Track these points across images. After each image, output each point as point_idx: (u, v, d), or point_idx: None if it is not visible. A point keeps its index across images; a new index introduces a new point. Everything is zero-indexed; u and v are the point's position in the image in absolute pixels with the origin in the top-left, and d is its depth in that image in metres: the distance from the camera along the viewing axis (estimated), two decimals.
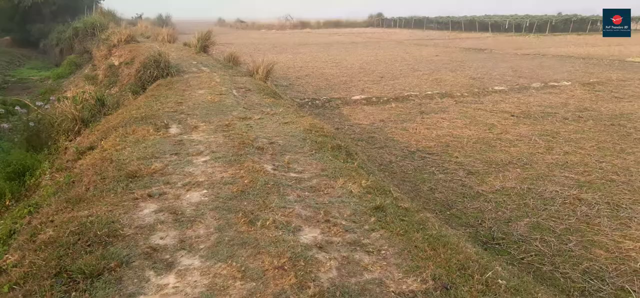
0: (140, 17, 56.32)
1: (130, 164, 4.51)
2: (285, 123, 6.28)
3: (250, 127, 5.99)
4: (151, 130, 5.61)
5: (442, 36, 47.28)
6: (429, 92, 13.97)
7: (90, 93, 8.41)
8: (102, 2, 55.57)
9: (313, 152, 5.01)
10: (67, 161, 5.81)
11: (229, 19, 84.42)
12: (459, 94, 13.96)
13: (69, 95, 18.74)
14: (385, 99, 13.20)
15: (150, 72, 11.08)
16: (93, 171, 4.31)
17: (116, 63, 16.75)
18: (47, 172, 6.07)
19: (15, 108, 13.75)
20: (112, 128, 6.01)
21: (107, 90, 15.09)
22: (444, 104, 12.70)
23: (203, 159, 4.77)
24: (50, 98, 12.94)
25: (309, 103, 12.67)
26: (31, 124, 9.04)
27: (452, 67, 20.77)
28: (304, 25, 72.17)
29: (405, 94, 13.75)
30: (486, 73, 18.52)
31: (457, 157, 7.98)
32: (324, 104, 12.67)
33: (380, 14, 76.61)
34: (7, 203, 6.22)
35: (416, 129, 9.90)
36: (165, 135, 5.55)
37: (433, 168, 7.43)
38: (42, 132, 8.26)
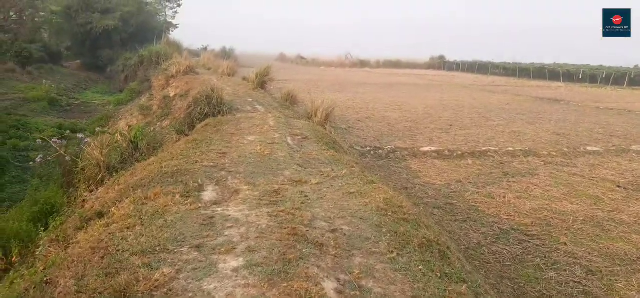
0: (205, 49, 57.82)
1: (127, 265, 3.19)
2: (351, 193, 4.84)
3: (306, 198, 4.58)
4: (177, 197, 4.31)
5: (508, 83, 44.77)
6: (511, 149, 12.18)
7: (124, 133, 7.44)
8: (171, 32, 57.68)
9: (394, 252, 3.46)
10: (70, 228, 4.70)
11: (290, 53, 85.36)
12: (545, 153, 12.09)
13: (121, 125, 18.45)
14: (460, 153, 11.56)
15: (200, 109, 10.14)
16: (73, 272, 3.04)
17: (172, 94, 16.17)
18: (43, 241, 5.00)
19: (53, 140, 13.29)
20: (132, 187, 4.83)
21: (158, 123, 14.43)
22: (531, 165, 10.90)
23: (234, 263, 3.28)
24: (96, 129, 12.30)
25: (371, 152, 11.26)
26: (68, 158, 8.24)
27: (529, 118, 18.76)
28: (363, 64, 71.52)
29: (482, 149, 12.04)
30: (571, 129, 16.42)
31: (565, 244, 6.25)
32: (388, 154, 11.21)
33: (442, 57, 74.68)
34: (13, 259, 5.16)
35: (504, 197, 8.21)
36: (193, 206, 4.18)
37: (538, 260, 5.75)
38: (74, 172, 7.39)
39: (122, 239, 3.48)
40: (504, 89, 35.84)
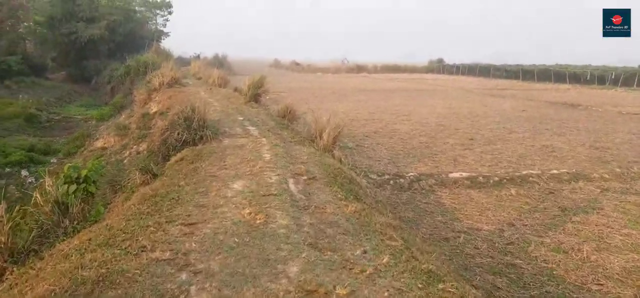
0: (198, 56, 55.68)
1: None
2: None
3: None
4: None
5: (514, 86, 42.88)
6: (555, 172, 10.15)
7: (50, 192, 5.32)
8: (163, 40, 55.50)
9: None
10: None
11: (284, 60, 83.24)
12: (596, 176, 10.07)
13: (98, 145, 16.33)
14: (496, 179, 9.52)
15: (178, 134, 8.08)
16: None
17: (152, 111, 14.09)
18: None
19: (22, 172, 11.25)
20: None
21: (134, 146, 12.34)
22: (586, 193, 8.87)
23: None
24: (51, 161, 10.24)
25: (391, 182, 9.19)
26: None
27: (555, 128, 16.77)
28: (360, 68, 69.51)
29: (521, 172, 10.01)
30: (607, 141, 14.45)
31: None
32: (411, 183, 9.15)
33: (441, 60, 72.83)
34: None
35: (579, 250, 6.16)
36: None
37: None
38: None
39: None
40: (512, 93, 33.93)
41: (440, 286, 3.20)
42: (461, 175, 9.55)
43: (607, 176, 10.12)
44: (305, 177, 5.71)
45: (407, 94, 31.43)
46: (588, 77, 45.65)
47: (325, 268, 3.38)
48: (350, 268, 3.42)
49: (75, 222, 4.99)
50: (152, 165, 6.61)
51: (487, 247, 6.19)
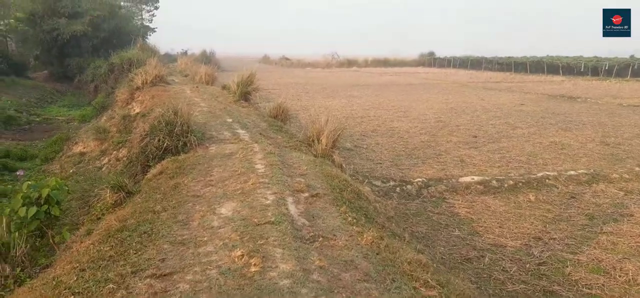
0: (185, 52, 54.31)
1: None
2: None
3: None
4: None
5: (507, 79, 42.28)
6: (572, 173, 9.37)
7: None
8: (149, 36, 54.03)
9: None
10: None
11: (273, 55, 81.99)
12: (615, 176, 9.32)
13: (77, 149, 15.29)
14: (511, 182, 8.71)
15: (159, 140, 7.15)
16: None
17: (133, 112, 13.10)
18: None
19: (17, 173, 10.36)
20: None
21: (114, 152, 11.37)
22: (610, 197, 8.11)
23: None
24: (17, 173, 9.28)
25: (397, 189, 8.34)
26: None
27: (559, 123, 16.04)
28: (350, 63, 68.60)
29: (537, 174, 9.22)
30: (616, 136, 13.75)
31: None
32: (420, 190, 8.30)
33: (432, 53, 72.10)
34: None
35: (622, 270, 5.36)
36: None
37: None
38: None
39: None
40: (507, 86, 33.27)
41: None
42: (473, 179, 8.72)
43: (627, 176, 9.37)
44: (306, 194, 4.82)
45: (401, 89, 30.63)
46: (582, 68, 45.17)
47: None
48: None
49: (19, 268, 4.05)
50: (126, 180, 5.67)
51: (517, 270, 5.36)
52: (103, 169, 10.45)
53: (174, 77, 22.91)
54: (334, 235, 3.82)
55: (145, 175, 6.34)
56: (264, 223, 3.87)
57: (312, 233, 3.80)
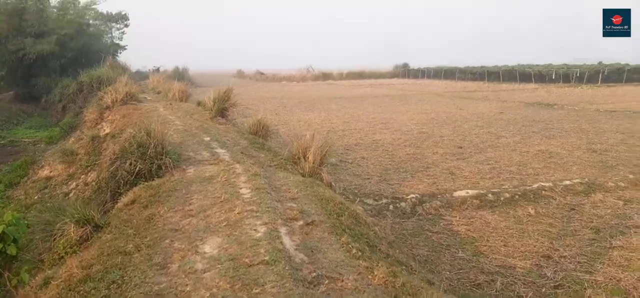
0: (157, 69, 52.99)
1: None
2: None
3: None
4: None
5: (481, 88, 42.67)
6: (568, 183, 9.06)
7: None
8: (119, 54, 52.53)
9: None
10: None
11: (248, 70, 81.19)
12: (611, 185, 9.05)
13: (43, 174, 14.35)
14: (507, 195, 8.32)
15: (130, 164, 6.48)
16: None
17: (103, 133, 12.31)
18: None
19: None
20: None
21: (82, 176, 10.59)
22: (611, 208, 7.79)
23: None
24: None
25: (391, 207, 7.85)
26: None
27: (542, 131, 15.92)
28: (326, 76, 68.40)
29: (532, 186, 8.86)
30: (601, 143, 13.62)
31: None
32: (414, 208, 7.82)
33: (406, 65, 72.60)
34: None
35: None
36: None
37: None
38: None
39: None
40: (484, 95, 33.44)
41: None
42: (467, 193, 8.30)
43: (622, 184, 9.11)
44: (301, 222, 4.25)
45: (379, 101, 30.39)
46: (553, 76, 45.96)
47: None
48: None
49: None
50: (93, 212, 4.97)
51: (533, 295, 4.89)
52: (70, 195, 9.66)
53: (146, 95, 22.03)
54: (340, 274, 3.26)
55: (116, 203, 5.66)
56: (257, 264, 3.28)
57: (314, 273, 3.23)
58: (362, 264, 3.45)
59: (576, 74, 44.09)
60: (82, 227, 4.82)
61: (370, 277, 3.24)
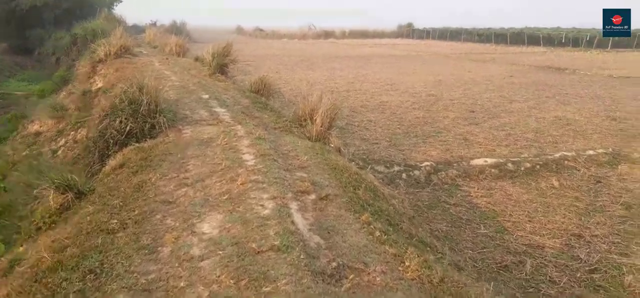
0: (154, 24, 51.58)
1: None
2: None
3: None
4: None
5: (488, 50, 41.61)
6: (591, 152, 8.48)
7: None
8: (115, 6, 51.04)
9: None
10: None
11: (247, 27, 79.33)
12: (636, 156, 8.48)
13: (33, 129, 13.75)
14: (528, 165, 7.76)
15: (120, 122, 5.88)
16: None
17: (95, 88, 11.64)
18: None
19: None
20: None
21: (72, 133, 9.99)
22: (638, 180, 7.22)
23: None
24: None
25: (403, 175, 7.28)
26: None
27: (555, 96, 15.25)
28: (327, 34, 66.86)
29: (554, 155, 8.28)
30: (620, 109, 12.99)
31: None
32: (429, 177, 7.25)
33: (410, 24, 70.92)
34: None
35: None
36: None
37: None
38: None
39: None
40: (492, 57, 32.49)
41: None
42: (486, 161, 7.72)
43: None
44: (313, 196, 3.67)
45: (384, 61, 29.46)
46: (563, 39, 44.78)
47: None
48: None
49: None
50: (75, 176, 4.39)
51: (568, 281, 4.38)
52: (59, 153, 9.09)
53: (141, 49, 21.17)
54: (365, 263, 2.70)
55: (104, 166, 5.10)
56: (266, 251, 2.71)
57: (334, 263, 2.67)
58: (389, 251, 2.90)
59: (586, 37, 42.91)
60: (62, 194, 4.24)
61: (400, 268, 2.69)
